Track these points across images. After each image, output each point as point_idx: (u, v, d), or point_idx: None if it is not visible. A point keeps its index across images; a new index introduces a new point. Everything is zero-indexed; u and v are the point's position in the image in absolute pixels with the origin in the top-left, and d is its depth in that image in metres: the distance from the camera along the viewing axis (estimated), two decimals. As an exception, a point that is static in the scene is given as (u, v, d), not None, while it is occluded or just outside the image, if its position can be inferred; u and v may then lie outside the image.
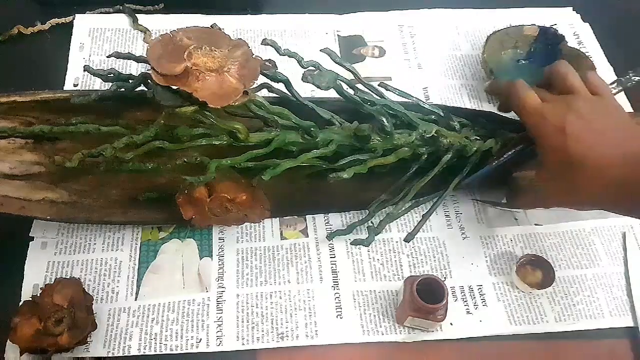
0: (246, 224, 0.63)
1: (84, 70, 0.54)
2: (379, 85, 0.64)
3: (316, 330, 0.59)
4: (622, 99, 0.81)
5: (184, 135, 0.54)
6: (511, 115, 0.76)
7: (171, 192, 0.57)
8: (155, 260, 0.63)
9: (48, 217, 0.57)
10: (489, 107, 0.77)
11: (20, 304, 0.57)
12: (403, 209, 0.62)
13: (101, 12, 0.85)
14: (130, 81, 0.55)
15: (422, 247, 0.65)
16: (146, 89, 0.55)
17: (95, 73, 0.54)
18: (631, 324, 0.61)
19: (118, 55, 0.54)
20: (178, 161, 0.55)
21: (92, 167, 0.53)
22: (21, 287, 0.60)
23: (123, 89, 0.56)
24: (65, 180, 0.58)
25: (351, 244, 0.63)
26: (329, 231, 0.66)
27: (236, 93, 0.50)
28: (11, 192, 0.56)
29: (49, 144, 0.57)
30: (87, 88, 0.75)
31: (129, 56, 0.54)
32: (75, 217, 0.59)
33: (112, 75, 0.55)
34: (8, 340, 0.55)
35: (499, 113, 0.65)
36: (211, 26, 0.54)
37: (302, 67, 0.58)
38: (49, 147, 0.57)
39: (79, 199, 0.59)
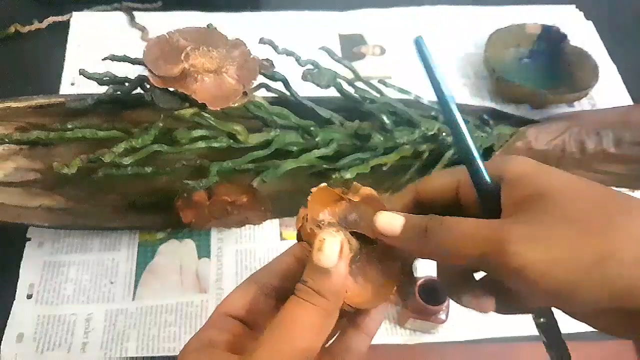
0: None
1: (79, 74, 0.53)
2: (377, 82, 0.63)
3: (316, 332, 0.59)
4: (622, 92, 0.81)
5: (182, 138, 0.53)
6: (512, 110, 0.76)
7: (169, 196, 0.56)
8: (153, 260, 0.63)
9: (45, 224, 0.57)
10: (491, 105, 0.77)
11: None
12: (405, 207, 0.61)
13: (98, 11, 0.84)
14: (127, 84, 0.55)
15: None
16: (143, 92, 0.55)
17: (90, 77, 0.53)
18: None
19: (113, 58, 0.53)
20: (177, 164, 0.55)
21: (90, 173, 0.53)
22: (16, 286, 0.60)
23: (119, 92, 0.55)
24: (62, 186, 0.57)
25: None
26: (329, 232, 0.65)
27: (235, 94, 0.49)
28: (7, 199, 0.55)
29: (44, 150, 0.57)
30: (84, 87, 0.74)
31: (124, 59, 0.54)
32: (72, 223, 0.58)
33: (108, 78, 0.54)
34: (4, 337, 0.56)
35: (500, 109, 0.64)
36: (207, 26, 0.53)
37: (301, 65, 0.57)
38: (45, 153, 0.57)
39: (76, 205, 0.58)
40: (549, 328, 0.35)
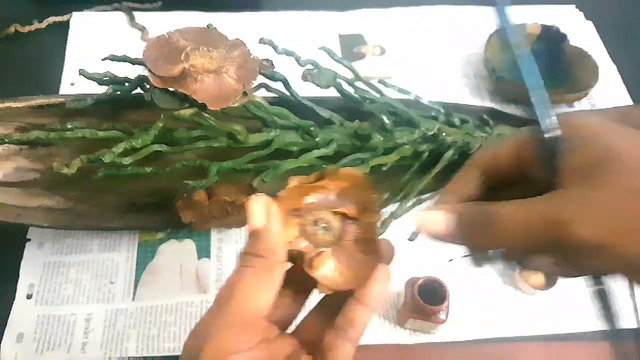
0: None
1: (79, 74, 0.53)
2: (377, 82, 0.63)
3: (316, 333, 0.58)
4: (622, 92, 0.81)
5: (182, 138, 0.53)
6: (512, 110, 0.76)
7: (169, 196, 0.56)
8: (153, 261, 0.62)
9: (45, 225, 0.56)
10: (491, 105, 0.77)
11: None
12: (406, 207, 0.61)
13: (98, 11, 0.84)
14: (127, 84, 0.55)
15: (423, 247, 0.64)
16: (143, 92, 0.54)
17: (90, 77, 0.53)
18: (633, 326, 0.61)
19: (113, 58, 0.53)
20: (177, 164, 0.55)
21: (89, 173, 0.53)
22: (16, 286, 0.60)
23: (119, 92, 0.55)
24: (62, 186, 0.57)
25: None
26: (329, 232, 0.65)
27: (235, 94, 0.49)
28: (7, 199, 0.55)
29: (44, 150, 0.57)
30: (84, 87, 0.74)
31: (124, 59, 0.54)
32: (72, 224, 0.58)
33: (107, 78, 0.54)
34: (4, 337, 0.56)
35: (500, 109, 0.64)
36: (207, 26, 0.53)
37: (301, 65, 0.57)
38: (45, 153, 0.57)
39: (75, 205, 0.58)
40: (604, 296, 0.33)
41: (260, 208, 0.31)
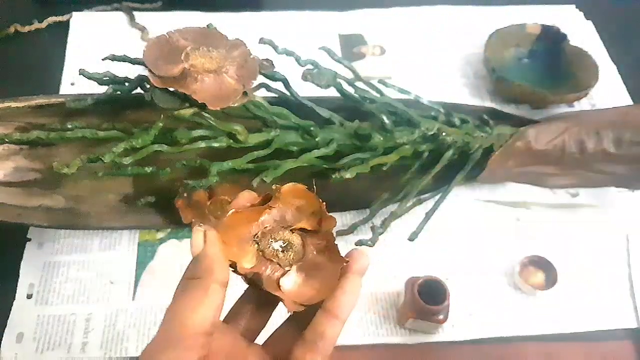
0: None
1: (79, 74, 0.53)
2: (377, 82, 0.63)
3: (316, 333, 0.58)
4: (622, 92, 0.81)
5: (182, 138, 0.53)
6: (512, 110, 0.76)
7: (169, 196, 0.56)
8: (153, 260, 0.62)
9: (45, 224, 0.57)
10: (491, 105, 0.77)
11: None
12: (406, 207, 0.61)
13: (98, 11, 0.84)
14: (127, 84, 0.55)
15: (423, 247, 0.64)
16: (143, 92, 0.54)
17: (90, 77, 0.53)
18: (634, 326, 0.61)
19: (113, 58, 0.53)
20: (177, 164, 0.55)
21: (89, 172, 0.53)
22: (16, 286, 0.60)
23: (119, 92, 0.55)
24: (62, 186, 0.57)
25: (355, 244, 0.62)
26: (329, 232, 0.65)
27: (235, 94, 0.49)
28: (7, 199, 0.55)
29: (45, 150, 0.57)
30: (84, 87, 0.74)
31: (124, 59, 0.54)
32: (72, 223, 0.58)
33: (108, 78, 0.54)
34: (4, 337, 0.56)
35: (500, 109, 0.64)
36: (207, 26, 0.53)
37: (301, 65, 0.57)
38: (45, 153, 0.57)
39: (75, 205, 0.58)
40: None
41: (199, 236, 0.33)
